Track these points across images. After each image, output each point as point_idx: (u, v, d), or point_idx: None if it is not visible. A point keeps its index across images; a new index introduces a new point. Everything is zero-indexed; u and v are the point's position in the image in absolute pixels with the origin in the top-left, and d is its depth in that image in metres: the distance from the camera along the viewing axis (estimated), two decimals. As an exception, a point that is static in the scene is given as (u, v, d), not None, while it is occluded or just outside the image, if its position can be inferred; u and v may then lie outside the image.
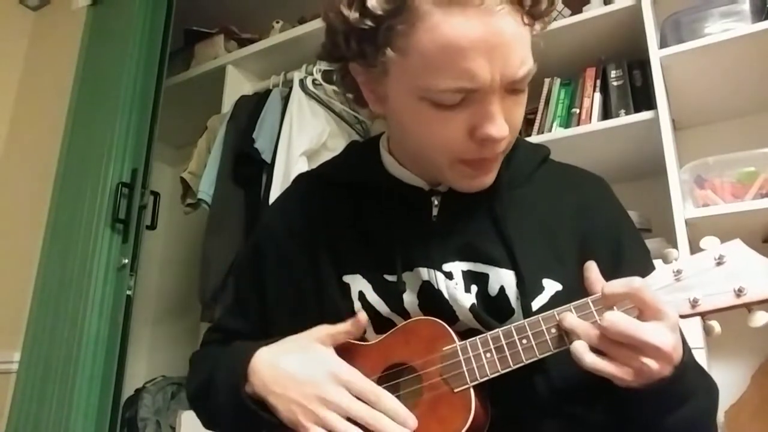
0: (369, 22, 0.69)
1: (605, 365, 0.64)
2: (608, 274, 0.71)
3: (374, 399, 0.71)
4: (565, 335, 0.68)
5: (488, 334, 0.72)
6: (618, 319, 0.63)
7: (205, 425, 0.89)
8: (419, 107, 0.72)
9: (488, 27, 0.66)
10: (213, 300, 2.09)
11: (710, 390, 0.75)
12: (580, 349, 0.65)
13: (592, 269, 0.72)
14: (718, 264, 0.66)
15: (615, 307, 0.67)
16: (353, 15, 0.70)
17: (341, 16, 0.71)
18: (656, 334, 0.62)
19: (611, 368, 0.63)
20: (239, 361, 0.79)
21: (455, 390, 0.71)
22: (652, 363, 0.62)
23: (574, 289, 0.73)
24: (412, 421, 0.70)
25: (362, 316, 0.79)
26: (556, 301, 0.75)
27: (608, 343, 0.64)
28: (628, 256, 0.82)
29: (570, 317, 0.68)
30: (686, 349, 0.67)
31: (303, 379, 0.74)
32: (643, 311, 0.64)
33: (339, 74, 0.83)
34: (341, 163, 0.97)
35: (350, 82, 0.82)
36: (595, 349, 0.65)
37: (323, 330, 0.78)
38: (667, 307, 0.64)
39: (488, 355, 0.71)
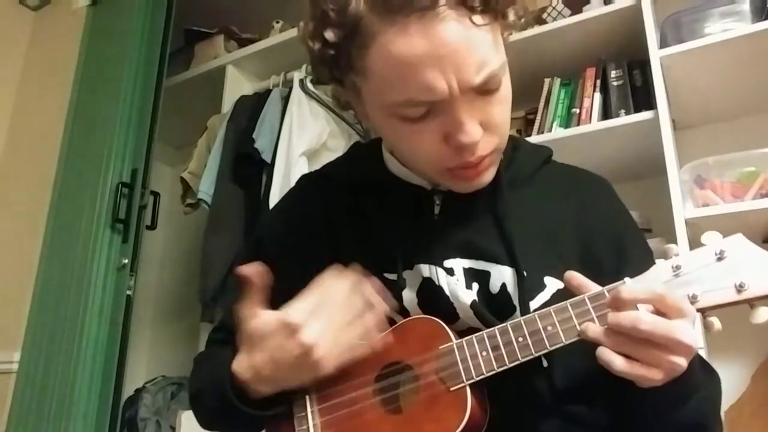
0: (330, 51, 0.72)
1: (637, 368, 0.62)
2: (611, 274, 0.71)
3: (327, 299, 0.74)
4: (561, 333, 0.67)
5: (484, 332, 0.71)
6: (655, 322, 0.61)
7: (205, 427, 0.89)
8: (391, 123, 0.74)
9: (431, 38, 0.66)
10: (213, 300, 2.09)
11: (714, 378, 0.75)
12: (608, 354, 0.63)
13: (574, 276, 0.71)
14: (719, 259, 0.65)
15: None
16: (316, 45, 0.73)
17: (308, 46, 0.74)
18: (687, 332, 0.61)
19: (643, 370, 0.62)
20: (224, 376, 0.77)
21: (451, 388, 0.70)
22: (682, 361, 0.62)
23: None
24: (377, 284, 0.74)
25: (247, 267, 0.79)
26: (557, 299, 0.74)
27: (634, 346, 0.63)
28: (631, 255, 0.82)
29: (592, 328, 0.66)
30: None
31: (277, 353, 0.73)
32: (667, 314, 0.63)
33: (333, 93, 0.86)
34: (344, 164, 0.98)
35: (345, 100, 0.84)
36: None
37: (253, 302, 0.78)
38: (686, 303, 0.63)
39: (484, 353, 0.70)
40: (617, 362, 0.63)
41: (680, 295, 0.64)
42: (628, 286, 0.65)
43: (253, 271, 0.78)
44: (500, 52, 0.71)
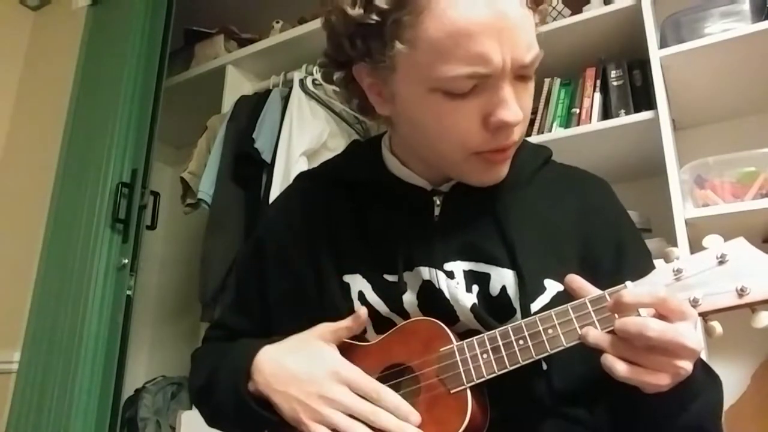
0: (375, 17, 0.69)
1: (641, 374, 0.62)
2: (609, 276, 0.71)
3: (375, 396, 0.71)
4: (562, 336, 0.67)
5: (485, 335, 0.71)
6: (663, 329, 0.61)
7: (208, 423, 0.89)
8: (431, 99, 0.72)
9: (494, 9, 0.66)
10: (213, 300, 2.09)
11: (716, 383, 0.75)
12: (611, 361, 0.63)
13: (574, 278, 0.70)
14: (720, 263, 0.65)
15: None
16: (357, 12, 0.70)
17: (345, 15, 0.71)
18: (691, 336, 0.61)
19: (647, 376, 0.62)
20: (243, 359, 0.79)
21: (452, 391, 0.70)
22: (687, 365, 0.61)
23: None
24: (415, 416, 0.70)
25: (362, 311, 0.79)
26: (557, 301, 0.74)
27: (637, 352, 0.62)
28: (630, 257, 0.82)
29: (593, 333, 0.65)
30: None
31: (305, 377, 0.74)
32: (669, 317, 0.62)
33: (343, 82, 0.82)
34: (343, 162, 0.97)
35: (354, 88, 0.81)
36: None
37: (326, 327, 0.79)
38: (688, 306, 0.63)
39: (485, 355, 0.70)
40: (620, 368, 0.62)
41: (682, 298, 0.64)
42: (630, 290, 0.65)
43: (364, 316, 0.79)
44: (537, 41, 0.72)
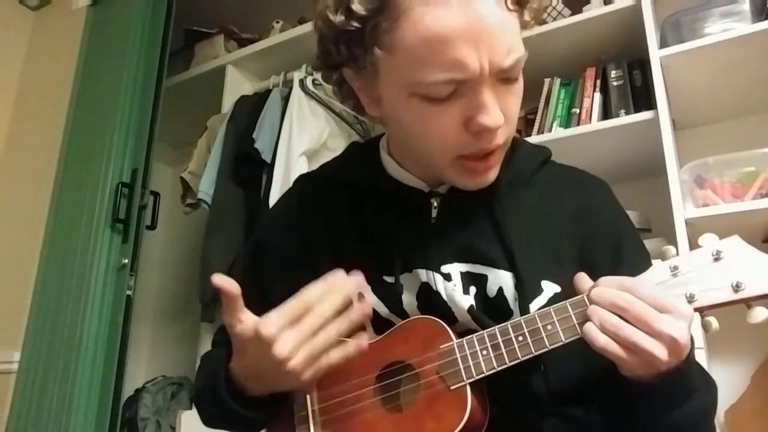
0: (354, 23, 0.70)
1: (616, 347, 0.63)
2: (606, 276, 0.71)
3: (305, 308, 0.69)
4: (560, 332, 0.68)
5: (485, 332, 0.72)
6: (632, 301, 0.63)
7: (207, 426, 0.89)
8: (411, 104, 0.72)
9: (470, 15, 0.66)
10: (213, 300, 2.09)
11: (711, 387, 0.75)
12: (592, 330, 0.64)
13: (582, 278, 0.71)
14: (716, 260, 0.66)
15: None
16: (339, 18, 0.71)
17: (328, 21, 0.72)
18: (670, 324, 0.62)
19: (620, 351, 0.63)
20: (222, 360, 0.79)
21: (452, 387, 0.71)
22: (660, 351, 0.62)
23: (573, 292, 0.73)
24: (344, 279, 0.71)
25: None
26: (554, 303, 0.74)
27: (617, 324, 0.64)
28: (628, 259, 0.81)
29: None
30: (692, 345, 0.67)
31: (256, 362, 0.72)
32: (659, 308, 0.64)
33: (336, 83, 0.83)
34: (341, 165, 0.97)
35: (347, 89, 0.82)
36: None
37: None
38: (672, 299, 0.64)
39: (485, 352, 0.70)
40: (600, 339, 0.64)
41: (677, 293, 0.64)
42: (599, 290, 0.67)
43: (226, 282, 0.74)
44: (522, 43, 0.72)
